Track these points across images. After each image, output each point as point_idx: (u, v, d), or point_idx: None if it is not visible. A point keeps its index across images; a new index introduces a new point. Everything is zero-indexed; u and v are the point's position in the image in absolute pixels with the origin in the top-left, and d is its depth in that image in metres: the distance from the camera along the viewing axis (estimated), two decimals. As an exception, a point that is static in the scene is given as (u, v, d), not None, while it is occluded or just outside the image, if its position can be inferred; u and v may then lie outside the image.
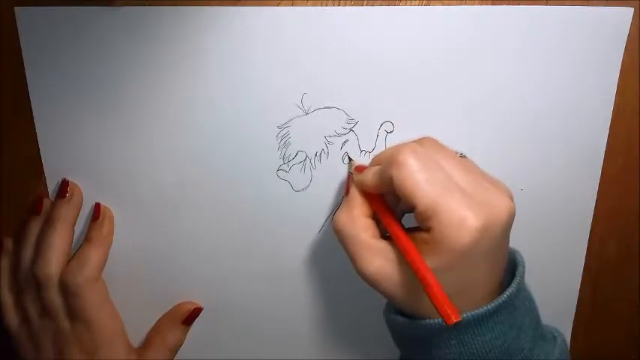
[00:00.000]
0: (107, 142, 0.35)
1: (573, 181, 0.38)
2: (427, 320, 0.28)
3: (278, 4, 0.33)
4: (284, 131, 0.35)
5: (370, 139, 0.36)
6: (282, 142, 0.35)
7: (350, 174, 0.35)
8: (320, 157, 0.36)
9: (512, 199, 0.28)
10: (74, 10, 0.33)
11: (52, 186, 0.36)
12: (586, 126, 0.36)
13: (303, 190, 0.36)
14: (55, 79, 0.34)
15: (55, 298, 0.35)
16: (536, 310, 0.31)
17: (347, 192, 0.33)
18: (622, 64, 0.35)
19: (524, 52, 0.34)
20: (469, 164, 0.30)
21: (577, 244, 0.39)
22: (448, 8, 0.33)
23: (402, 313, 0.30)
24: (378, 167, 0.30)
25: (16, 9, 0.33)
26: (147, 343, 0.39)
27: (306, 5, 0.33)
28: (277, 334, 0.40)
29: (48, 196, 0.36)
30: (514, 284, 0.29)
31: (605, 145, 0.37)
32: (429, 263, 0.27)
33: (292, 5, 0.33)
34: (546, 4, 0.34)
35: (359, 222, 0.31)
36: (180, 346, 0.39)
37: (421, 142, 0.31)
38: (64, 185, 0.35)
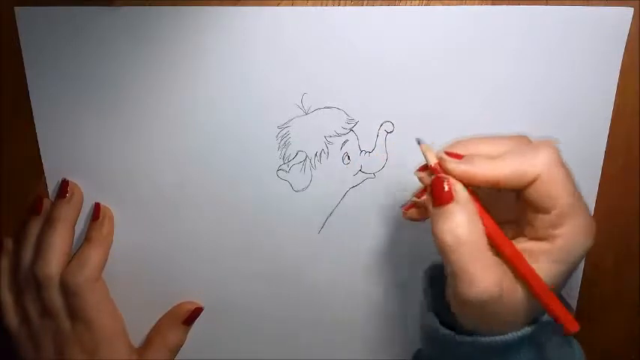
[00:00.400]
0: (107, 142, 0.35)
1: (573, 181, 0.38)
2: (500, 337, 0.26)
3: (278, 4, 0.33)
4: (284, 131, 0.35)
5: (370, 139, 0.36)
6: (282, 142, 0.35)
7: (439, 177, 0.26)
8: (320, 157, 0.36)
9: None
10: (74, 10, 0.33)
11: (52, 186, 0.36)
12: (586, 126, 0.36)
13: (303, 190, 0.36)
14: (55, 79, 0.34)
15: (55, 298, 0.35)
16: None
17: (451, 197, 0.26)
18: (622, 64, 0.35)
19: (524, 52, 0.34)
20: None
21: (577, 244, 0.39)
22: (448, 8, 0.33)
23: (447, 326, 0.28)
24: (500, 158, 0.26)
25: (16, 9, 0.33)
26: (147, 343, 0.39)
27: (306, 5, 0.33)
28: (277, 334, 0.40)
29: (48, 196, 0.36)
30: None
31: (605, 145, 0.37)
32: (550, 272, 0.25)
33: (292, 5, 0.33)
34: (546, 4, 0.34)
35: (482, 233, 0.26)
36: (181, 346, 0.39)
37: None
38: (64, 185, 0.36)
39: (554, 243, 0.25)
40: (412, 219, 0.30)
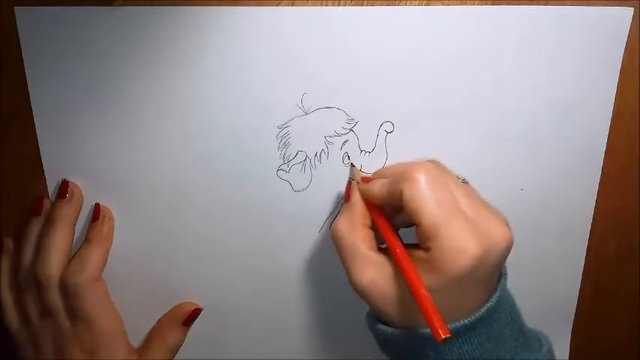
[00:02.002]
0: (107, 142, 0.35)
1: (573, 181, 0.38)
2: (408, 330, 0.29)
3: (278, 4, 0.33)
4: (284, 131, 0.35)
5: (370, 139, 0.36)
6: (282, 142, 0.35)
7: (351, 180, 0.35)
8: (320, 157, 0.36)
9: (509, 228, 0.29)
10: (74, 10, 0.33)
11: (52, 186, 0.36)
12: (586, 126, 0.36)
13: (303, 190, 0.36)
14: (55, 79, 0.34)
15: (55, 298, 0.35)
16: (518, 319, 0.31)
17: (347, 199, 0.33)
18: (622, 64, 0.35)
19: (524, 52, 0.34)
20: (471, 191, 0.31)
21: (577, 244, 0.39)
22: (448, 8, 0.33)
23: (385, 322, 0.31)
24: (386, 180, 0.31)
25: (16, 9, 0.33)
26: (147, 343, 0.39)
27: (306, 5, 0.33)
28: (277, 334, 0.40)
29: (48, 196, 0.36)
30: (494, 298, 0.29)
31: (605, 145, 0.37)
32: (425, 279, 0.27)
33: (292, 5, 0.33)
34: (546, 4, 0.34)
35: (359, 231, 0.31)
36: (180, 346, 0.39)
37: (432, 161, 0.31)
38: (64, 185, 0.35)
39: (429, 254, 0.28)
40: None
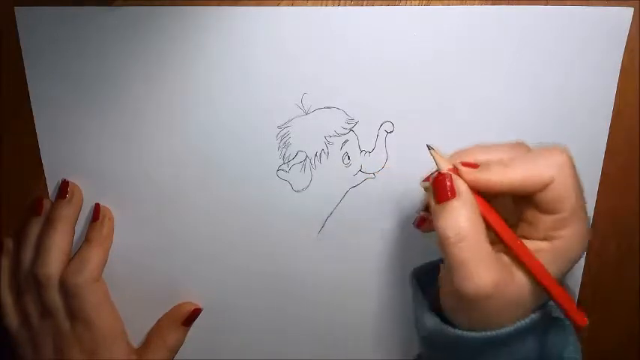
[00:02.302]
0: (107, 143, 0.35)
1: (573, 181, 0.38)
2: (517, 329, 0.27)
3: (278, 4, 0.33)
4: (284, 131, 0.35)
5: (370, 139, 0.36)
6: (282, 142, 0.35)
7: (445, 173, 0.27)
8: (320, 157, 0.36)
9: None
10: (74, 10, 0.33)
11: (52, 186, 0.36)
12: (586, 126, 0.36)
13: (303, 190, 0.36)
14: (55, 79, 0.34)
15: (55, 298, 0.35)
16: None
17: (454, 193, 0.27)
18: (622, 64, 0.35)
19: (524, 52, 0.34)
20: None
21: (577, 244, 0.39)
22: (448, 8, 0.33)
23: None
24: (514, 164, 0.27)
25: (16, 9, 0.33)
26: (146, 343, 0.39)
27: (306, 5, 0.33)
28: (277, 335, 0.40)
29: (48, 197, 0.36)
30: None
31: (605, 145, 0.37)
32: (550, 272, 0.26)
33: (292, 5, 0.33)
34: (546, 4, 0.34)
35: (483, 228, 0.27)
36: (180, 346, 0.39)
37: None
38: (64, 185, 0.35)
39: (553, 243, 0.26)
40: (428, 231, 0.31)
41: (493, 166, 0.27)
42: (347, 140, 0.36)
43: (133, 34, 0.33)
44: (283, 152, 0.36)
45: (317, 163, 0.36)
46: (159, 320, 0.39)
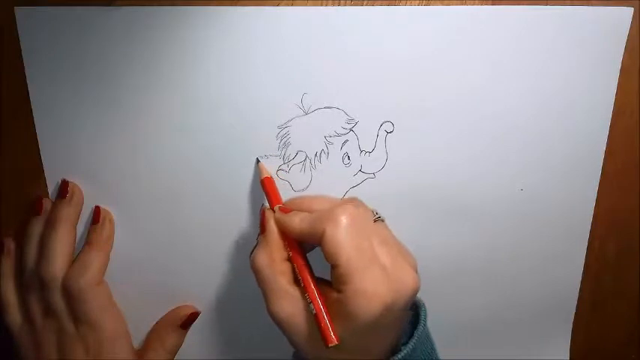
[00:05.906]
0: (107, 143, 0.35)
1: (573, 181, 0.38)
2: None
3: (278, 4, 0.33)
4: (284, 131, 0.35)
5: (370, 139, 0.36)
6: (282, 142, 0.35)
7: (264, 209, 0.34)
8: (320, 157, 0.36)
9: (417, 272, 0.31)
10: (74, 10, 0.33)
11: (52, 186, 0.36)
12: (586, 126, 0.36)
13: (303, 190, 0.36)
14: (55, 79, 0.34)
15: (58, 300, 0.35)
16: (434, 354, 0.33)
17: (263, 230, 0.33)
18: (622, 64, 0.35)
19: (524, 52, 0.34)
20: (386, 233, 0.32)
21: (577, 244, 0.39)
22: (448, 8, 0.33)
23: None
24: (307, 215, 0.31)
25: (16, 9, 0.33)
26: (146, 345, 0.39)
27: (306, 5, 0.33)
28: (277, 335, 0.40)
29: (48, 197, 0.36)
30: (410, 344, 0.31)
31: (605, 145, 0.37)
32: (335, 324, 0.29)
33: (292, 5, 0.33)
34: (546, 4, 0.34)
35: (278, 265, 0.31)
36: (179, 348, 0.39)
37: (355, 203, 0.31)
38: (64, 185, 0.35)
39: (339, 297, 0.29)
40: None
41: (297, 214, 0.31)
42: (347, 140, 0.36)
43: (133, 34, 0.33)
44: (283, 152, 0.36)
45: (317, 163, 0.36)
46: (157, 323, 0.39)
